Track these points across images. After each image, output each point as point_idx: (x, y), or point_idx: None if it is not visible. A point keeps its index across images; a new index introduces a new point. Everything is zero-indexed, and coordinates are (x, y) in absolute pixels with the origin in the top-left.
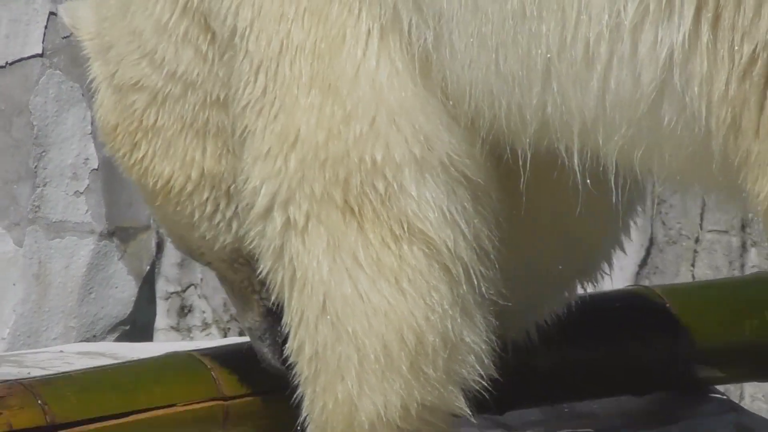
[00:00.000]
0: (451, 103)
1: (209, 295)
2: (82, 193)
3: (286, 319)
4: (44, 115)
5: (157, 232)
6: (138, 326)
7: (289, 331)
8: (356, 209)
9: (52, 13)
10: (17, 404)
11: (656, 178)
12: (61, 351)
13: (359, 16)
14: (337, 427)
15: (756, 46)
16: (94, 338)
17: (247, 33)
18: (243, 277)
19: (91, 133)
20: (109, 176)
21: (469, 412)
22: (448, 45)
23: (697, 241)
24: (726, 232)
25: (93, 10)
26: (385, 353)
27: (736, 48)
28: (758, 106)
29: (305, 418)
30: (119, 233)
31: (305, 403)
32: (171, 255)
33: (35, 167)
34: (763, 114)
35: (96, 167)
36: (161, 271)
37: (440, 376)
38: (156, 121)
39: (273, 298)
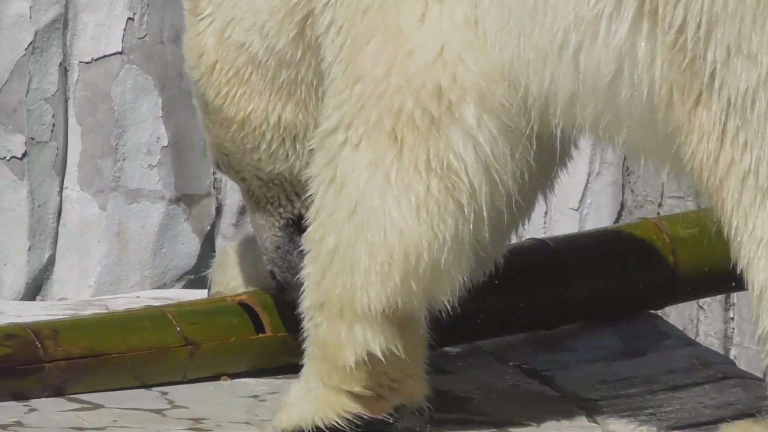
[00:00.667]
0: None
1: None
2: (154, 166)
3: (312, 213)
4: (123, 101)
5: (216, 198)
6: (201, 276)
7: (313, 222)
8: (399, 137)
9: (129, 18)
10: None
11: (619, 147)
12: (138, 296)
13: None
14: (334, 306)
15: (684, 34)
16: (164, 286)
17: (333, 3)
18: (272, 194)
19: (161, 117)
20: (177, 152)
21: (425, 327)
22: (484, 30)
23: (659, 205)
24: (683, 197)
25: None
26: (389, 262)
27: (668, 35)
28: (688, 84)
29: (305, 288)
30: (185, 199)
31: (311, 279)
32: (228, 216)
33: (116, 145)
34: (691, 90)
35: (166, 145)
36: (219, 230)
37: (420, 293)
38: (251, 76)
39: (297, 206)
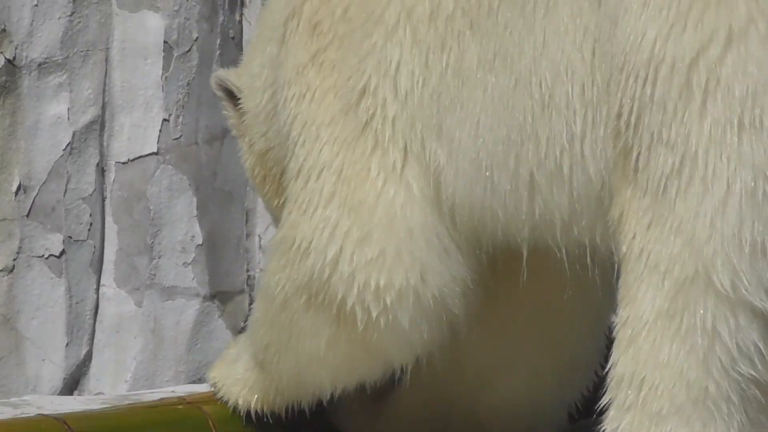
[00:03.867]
0: (456, 224)
1: None
2: (189, 263)
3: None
4: (159, 201)
5: (249, 295)
6: None
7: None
8: (348, 327)
9: (164, 120)
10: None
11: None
12: (173, 391)
13: (387, 151)
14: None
15: (620, 120)
16: (199, 381)
17: (296, 140)
18: None
19: (196, 216)
20: (211, 250)
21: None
22: (455, 165)
23: None
24: None
25: (239, 80)
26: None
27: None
28: (621, 166)
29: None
30: (219, 296)
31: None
32: None
33: (152, 243)
34: (624, 171)
35: (200, 243)
36: None
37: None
38: (282, 173)
39: None
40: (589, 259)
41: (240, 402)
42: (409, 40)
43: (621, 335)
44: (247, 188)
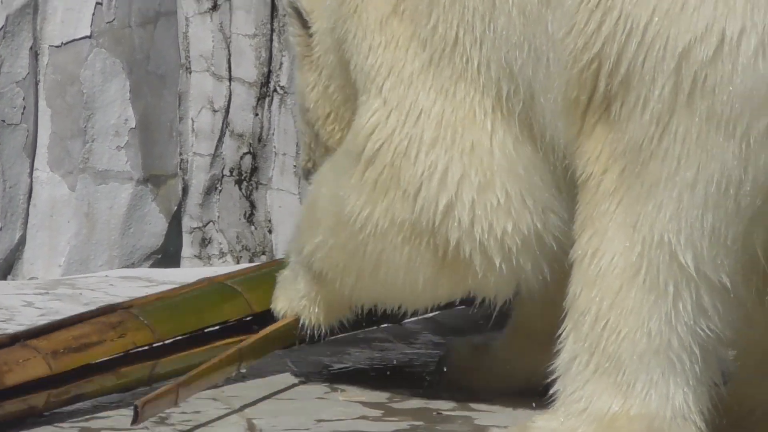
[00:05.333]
0: (552, 159)
1: (225, 230)
2: (122, 147)
3: None
4: (92, 84)
5: (183, 179)
6: (168, 255)
7: None
8: (458, 270)
9: (98, 3)
10: (133, 327)
11: None
12: (106, 275)
13: (484, 95)
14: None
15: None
16: (132, 265)
17: (382, 85)
18: None
19: (129, 99)
20: (145, 134)
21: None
22: (539, 105)
23: None
24: None
25: (309, 5)
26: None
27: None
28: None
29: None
30: (152, 180)
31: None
32: (194, 197)
33: (85, 126)
34: None
35: (134, 126)
36: (186, 210)
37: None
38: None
39: None
40: None
41: (309, 317)
42: None
43: (586, 267)
44: (180, 71)
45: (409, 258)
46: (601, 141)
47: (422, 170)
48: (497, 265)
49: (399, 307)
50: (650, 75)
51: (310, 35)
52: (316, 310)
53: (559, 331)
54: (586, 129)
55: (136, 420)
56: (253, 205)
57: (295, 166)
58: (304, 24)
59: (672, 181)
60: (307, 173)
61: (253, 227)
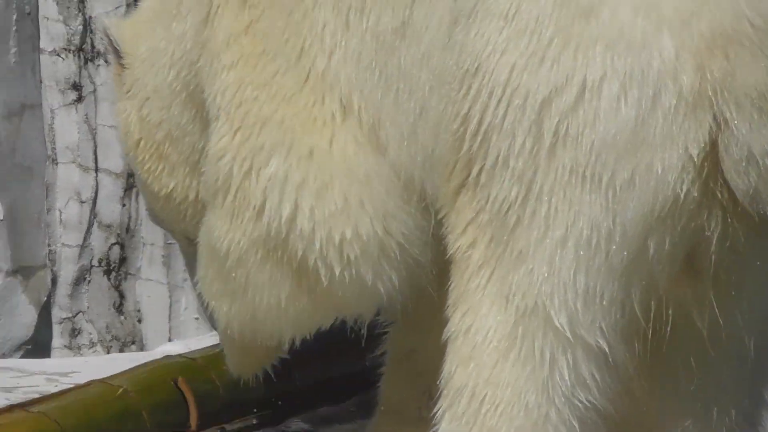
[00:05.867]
0: (400, 180)
1: (94, 320)
2: None
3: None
4: None
5: (52, 270)
6: (38, 345)
7: None
8: (310, 282)
9: None
10: None
11: None
12: None
13: (325, 103)
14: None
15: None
16: (3, 356)
17: (231, 104)
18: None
19: None
20: (13, 225)
21: None
22: (384, 130)
23: None
24: None
25: (131, 33)
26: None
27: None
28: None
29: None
30: (21, 271)
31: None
32: (63, 287)
33: None
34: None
35: (1, 218)
36: (56, 301)
37: None
38: (170, 152)
39: None
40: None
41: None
42: (330, 3)
43: (460, 345)
44: (47, 163)
45: (270, 275)
46: (464, 211)
47: (265, 182)
48: (337, 273)
49: (271, 337)
50: (510, 130)
51: (123, 65)
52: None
53: (433, 411)
54: (448, 195)
55: None
56: (122, 295)
57: (163, 255)
58: (118, 53)
59: (542, 244)
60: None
61: (122, 317)
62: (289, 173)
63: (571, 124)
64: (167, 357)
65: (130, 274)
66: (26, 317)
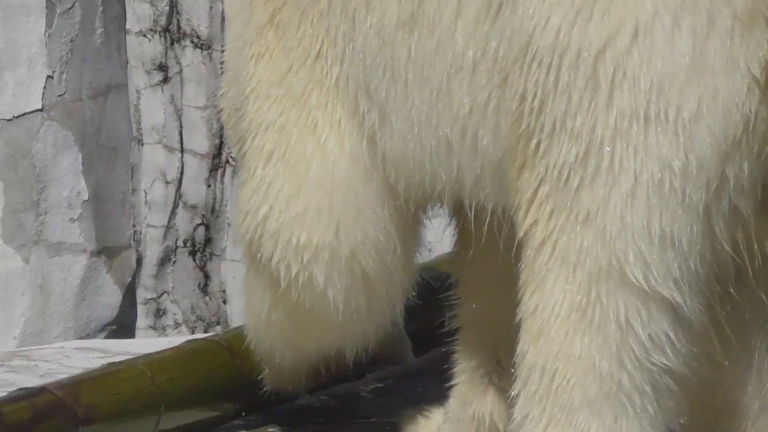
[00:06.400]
0: (391, 176)
1: (179, 300)
2: (75, 219)
3: None
4: (44, 157)
5: (136, 250)
6: (122, 326)
7: None
8: (274, 284)
9: (49, 76)
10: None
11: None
12: (61, 347)
13: (335, 107)
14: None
15: (524, 104)
16: (87, 336)
17: (249, 98)
18: None
19: (81, 171)
20: (97, 206)
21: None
22: (389, 125)
23: None
24: None
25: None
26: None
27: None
28: (520, 150)
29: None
30: (106, 251)
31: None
32: (148, 268)
33: (37, 199)
34: (522, 155)
35: (86, 199)
36: (140, 282)
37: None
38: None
39: None
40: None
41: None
42: (340, 5)
43: (530, 324)
44: (132, 143)
45: (255, 283)
46: (526, 189)
47: (255, 186)
48: (293, 274)
49: (272, 357)
50: (565, 91)
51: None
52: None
53: (510, 392)
54: (512, 179)
55: None
56: (207, 276)
57: None
58: None
59: (610, 201)
60: None
61: (207, 298)
62: (274, 180)
63: (627, 67)
64: None
65: (215, 254)
66: (111, 298)
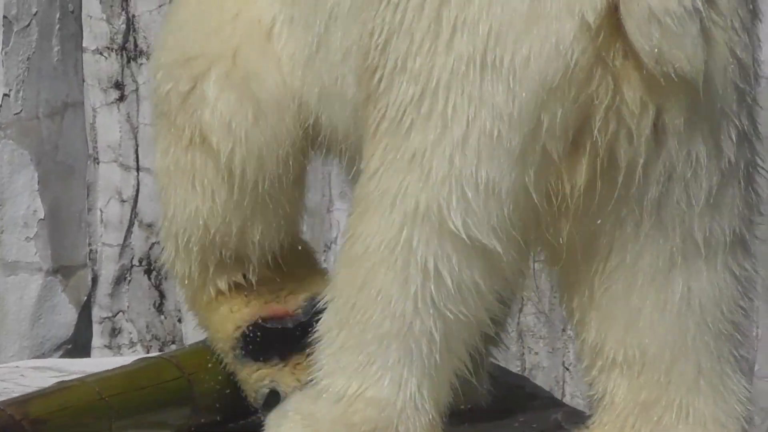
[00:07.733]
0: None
1: (135, 319)
2: (31, 238)
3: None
4: (0, 176)
5: (92, 269)
6: (78, 345)
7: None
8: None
9: (5, 95)
10: None
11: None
12: (17, 366)
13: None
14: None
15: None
16: (43, 355)
17: None
18: None
19: (37, 190)
20: (53, 225)
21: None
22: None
23: None
24: None
25: None
26: (185, 237)
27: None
28: (365, 82)
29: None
30: (62, 270)
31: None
32: (103, 287)
33: None
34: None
35: (42, 217)
36: (96, 300)
37: (225, 260)
38: None
39: None
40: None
41: None
42: None
43: (347, 249)
44: (89, 162)
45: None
46: (368, 121)
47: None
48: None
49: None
50: (408, 31)
51: None
52: None
53: (321, 297)
54: (359, 109)
55: None
56: (162, 295)
57: None
58: None
59: (440, 145)
60: None
61: (162, 317)
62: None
63: (468, 14)
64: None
65: (170, 273)
66: (66, 317)
